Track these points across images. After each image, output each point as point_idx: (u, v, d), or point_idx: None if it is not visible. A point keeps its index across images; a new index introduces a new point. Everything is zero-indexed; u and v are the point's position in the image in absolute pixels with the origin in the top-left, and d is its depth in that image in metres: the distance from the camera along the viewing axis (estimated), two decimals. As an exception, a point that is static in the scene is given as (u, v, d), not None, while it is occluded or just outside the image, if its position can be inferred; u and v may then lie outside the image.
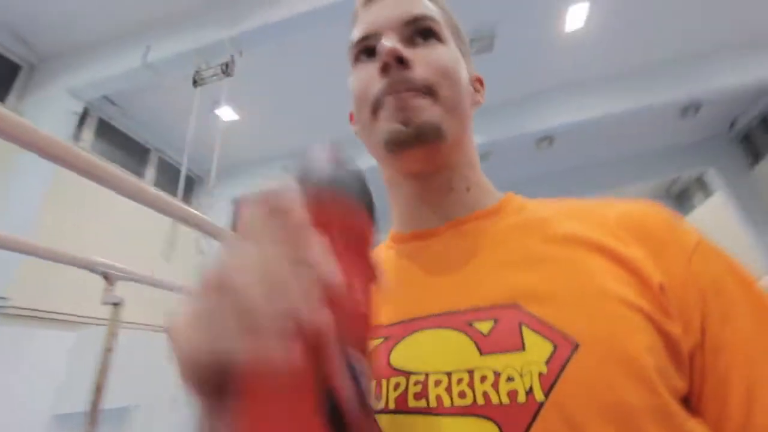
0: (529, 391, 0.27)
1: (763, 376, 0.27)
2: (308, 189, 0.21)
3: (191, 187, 7.97)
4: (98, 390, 1.18)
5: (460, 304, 0.33)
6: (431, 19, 0.41)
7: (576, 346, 0.27)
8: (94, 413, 1.13)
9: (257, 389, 0.16)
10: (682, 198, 11.61)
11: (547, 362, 0.27)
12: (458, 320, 0.32)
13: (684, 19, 5.93)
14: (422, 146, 0.38)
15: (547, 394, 0.26)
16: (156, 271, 3.33)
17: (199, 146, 6.92)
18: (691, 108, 7.67)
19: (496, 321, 0.30)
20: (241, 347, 0.15)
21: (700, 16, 5.93)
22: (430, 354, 0.31)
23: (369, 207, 0.24)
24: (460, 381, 0.28)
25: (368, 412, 0.20)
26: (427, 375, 0.30)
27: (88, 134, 5.90)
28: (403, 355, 0.32)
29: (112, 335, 1.25)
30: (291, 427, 0.16)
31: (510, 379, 0.27)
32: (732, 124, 8.86)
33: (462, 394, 0.28)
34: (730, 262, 0.32)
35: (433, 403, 0.29)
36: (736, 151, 9.02)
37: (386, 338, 0.34)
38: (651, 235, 0.33)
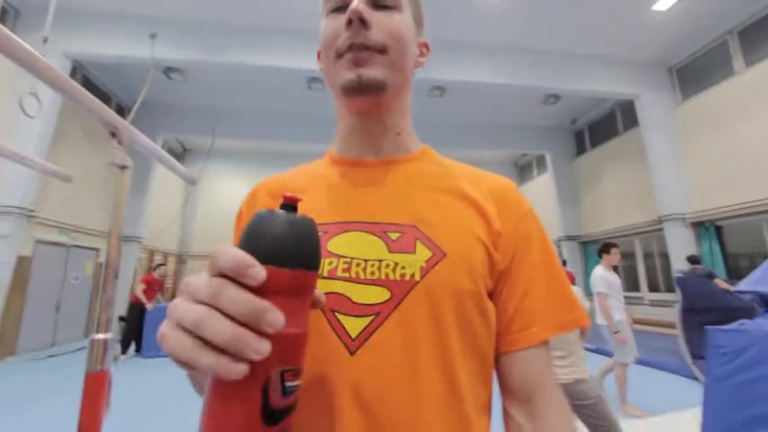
0: (412, 276, 0.44)
1: (536, 283, 0.49)
2: (258, 254, 0.25)
3: (4, 23, 5.89)
4: None
5: (381, 218, 0.48)
6: None
7: (444, 255, 0.45)
8: None
9: (216, 384, 0.25)
10: (524, 169, 14.08)
11: (426, 261, 0.44)
12: (378, 228, 0.47)
13: (575, 20, 6.74)
14: (368, 94, 0.49)
15: (422, 278, 0.44)
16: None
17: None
18: (552, 97, 9.10)
19: (401, 234, 0.47)
20: (202, 360, 0.23)
21: (582, 24, 6.84)
22: (356, 247, 0.46)
23: (312, 258, 0.28)
24: (372, 265, 0.44)
25: (290, 411, 0.28)
26: (352, 259, 0.45)
27: None
28: (337, 244, 0.46)
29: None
30: (237, 410, 0.25)
31: (403, 267, 0.44)
32: (573, 121, 10.93)
33: (372, 273, 0.44)
34: (539, 225, 0.54)
35: (353, 275, 0.44)
36: (569, 143, 11.26)
37: (325, 232, 0.47)
38: (503, 201, 0.52)
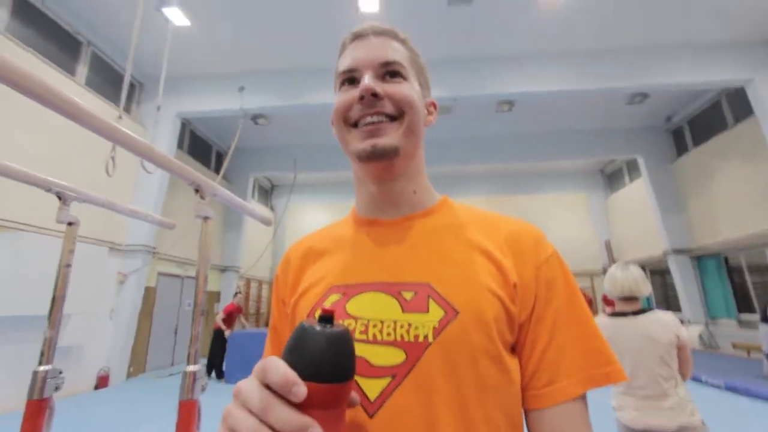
0: (426, 336, 0.45)
1: (560, 333, 0.47)
2: (299, 368, 0.29)
3: (132, 94, 7.27)
4: (56, 300, 1.27)
5: (396, 277, 0.50)
6: (399, 64, 0.55)
7: (457, 313, 0.45)
8: (53, 320, 1.23)
9: None
10: (613, 177, 12.76)
11: (439, 321, 0.45)
12: (393, 289, 0.49)
13: (650, 11, 6.13)
14: (383, 161, 0.52)
15: (435, 338, 0.44)
16: (96, 184, 3.21)
17: (143, 49, 6.25)
18: (638, 96, 8.23)
19: (415, 293, 0.48)
20: None
21: (664, 13, 6.16)
22: (372, 308, 0.48)
23: (348, 371, 0.31)
24: (388, 326, 0.46)
25: None
26: (368, 320, 0.47)
27: (2, 12, 4.91)
28: (355, 306, 0.49)
29: (69, 252, 1.31)
30: None
31: (416, 328, 0.45)
32: (668, 118, 9.68)
33: (388, 334, 0.46)
34: (564, 269, 0.51)
35: (370, 337, 0.46)
36: (665, 143, 9.97)
37: (344, 294, 0.50)
38: (519, 250, 0.51)
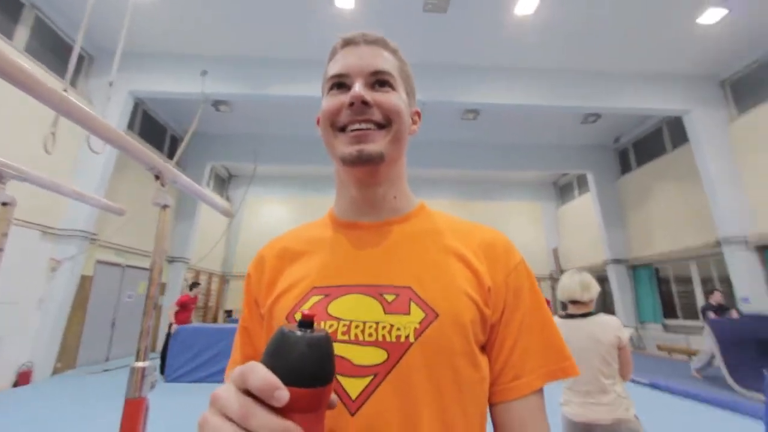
0: (407, 337, 0.46)
1: (525, 334, 0.51)
2: (280, 373, 0.28)
3: (79, 67, 6.66)
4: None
5: (377, 280, 0.51)
6: (388, 73, 0.56)
7: (437, 316, 0.47)
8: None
9: None
10: (564, 189, 13.58)
11: (420, 322, 0.47)
12: (374, 291, 0.50)
13: (609, 39, 6.59)
14: (368, 166, 0.53)
15: (416, 338, 0.46)
16: (36, 163, 2.91)
17: (97, 19, 5.76)
18: (591, 116, 8.83)
19: (396, 296, 0.49)
20: None
21: (621, 42, 6.65)
22: (354, 309, 0.49)
23: (329, 374, 0.31)
24: (370, 327, 0.47)
25: None
26: (351, 321, 0.48)
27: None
28: (337, 307, 0.49)
29: (2, 236, 1.17)
30: None
31: (398, 329, 0.47)
32: (617, 139, 10.47)
33: (370, 335, 0.47)
34: (529, 276, 0.55)
35: (352, 337, 0.47)
36: (612, 162, 10.77)
37: (326, 295, 0.51)
38: (493, 256, 0.55)
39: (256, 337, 0.58)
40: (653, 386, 5.46)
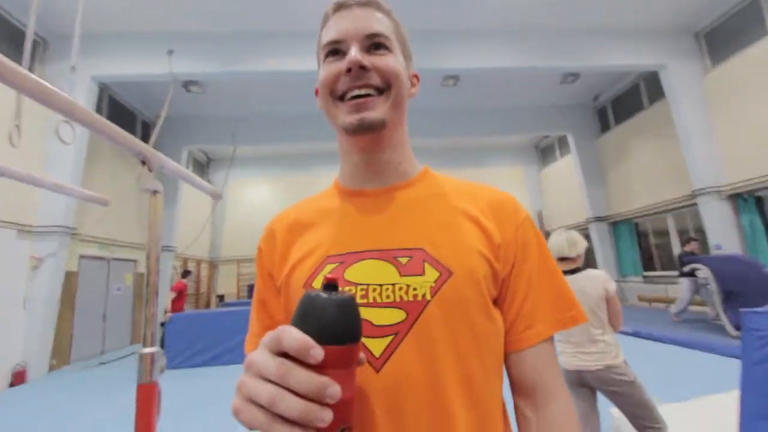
0: (424, 295, 0.48)
1: (535, 285, 0.53)
2: (312, 333, 0.30)
3: (34, 53, 6.24)
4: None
5: (390, 244, 0.52)
6: (384, 36, 0.55)
7: (451, 274, 0.49)
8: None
9: None
10: (546, 152, 13.71)
11: (435, 281, 0.49)
12: (388, 255, 0.52)
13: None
14: (370, 133, 0.54)
15: (433, 296, 0.48)
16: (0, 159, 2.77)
17: (48, 1, 5.36)
18: (570, 76, 8.82)
19: (410, 258, 0.51)
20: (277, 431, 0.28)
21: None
22: (370, 274, 0.50)
23: (357, 332, 0.34)
24: (387, 289, 0.49)
25: None
26: (368, 285, 0.50)
27: None
28: (353, 273, 0.51)
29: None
30: None
31: (414, 289, 0.49)
32: (596, 98, 10.52)
33: (388, 296, 0.49)
34: (536, 231, 0.57)
35: (371, 300, 0.49)
36: (591, 121, 10.87)
37: (342, 262, 0.52)
38: (500, 214, 0.56)
39: (273, 309, 0.59)
40: (635, 335, 5.78)
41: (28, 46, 3.12)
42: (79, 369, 6.15)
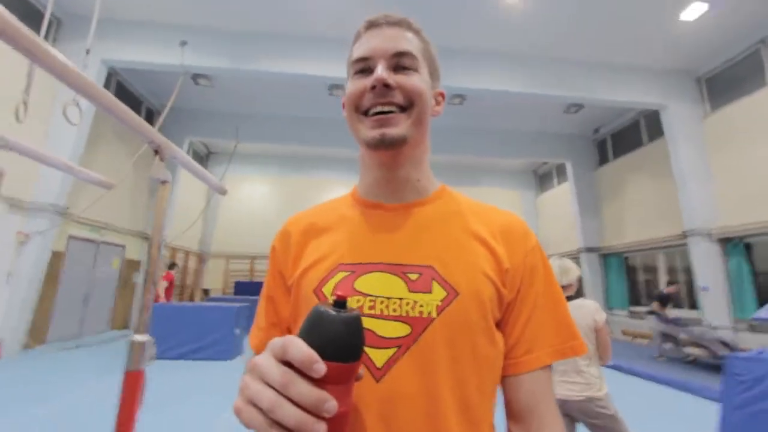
0: (429, 313, 0.49)
1: (538, 312, 0.54)
2: (317, 348, 0.31)
3: (48, 33, 6.23)
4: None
5: (401, 259, 0.54)
6: (411, 55, 0.57)
7: (457, 294, 0.50)
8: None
9: None
10: (544, 178, 13.87)
11: (442, 300, 0.50)
12: (399, 269, 0.53)
13: (595, 31, 6.67)
14: (391, 149, 0.55)
15: (438, 314, 0.49)
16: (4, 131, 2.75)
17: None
18: (574, 107, 8.98)
19: (419, 275, 0.52)
20: None
21: (606, 34, 6.73)
22: (380, 286, 0.52)
23: (359, 351, 0.34)
24: (394, 303, 0.50)
25: None
26: (376, 297, 0.51)
27: None
28: (363, 284, 0.52)
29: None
30: None
31: (421, 306, 0.50)
32: (596, 130, 10.72)
33: (394, 310, 0.50)
34: (543, 257, 0.58)
35: (378, 312, 0.50)
36: (591, 152, 11.05)
37: (353, 272, 0.54)
38: (511, 239, 0.57)
39: (280, 306, 0.61)
40: (617, 368, 5.80)
41: (44, 23, 3.13)
42: (55, 350, 6.02)
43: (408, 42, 0.58)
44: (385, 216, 0.59)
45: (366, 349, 0.48)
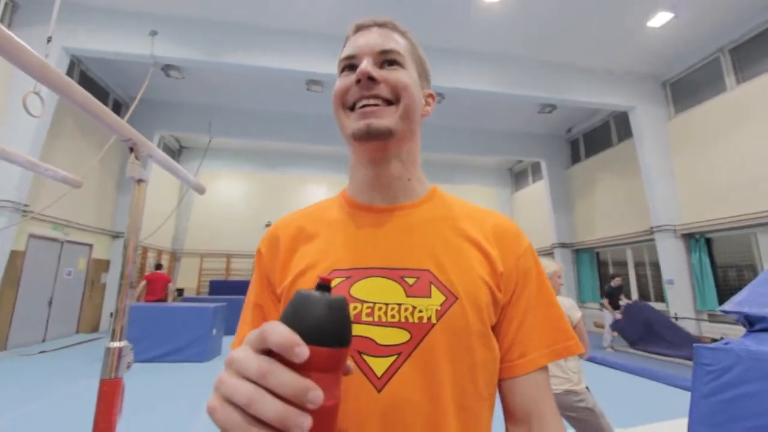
0: (429, 318, 0.49)
1: (532, 314, 0.54)
2: (300, 332, 0.28)
3: (2, 17, 5.84)
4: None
5: (397, 263, 0.53)
6: (397, 52, 0.57)
7: (456, 299, 0.50)
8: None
9: None
10: (519, 176, 14.20)
11: (441, 305, 0.49)
12: (395, 274, 0.52)
13: (566, 33, 6.85)
14: (377, 141, 0.54)
15: (438, 320, 0.49)
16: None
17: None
18: (548, 107, 9.22)
19: (417, 278, 0.51)
20: None
21: (582, 37, 6.94)
22: (377, 292, 0.51)
23: (346, 336, 0.32)
24: (393, 308, 0.49)
25: None
26: (374, 303, 0.50)
27: None
28: (360, 290, 0.51)
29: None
30: None
31: (420, 311, 0.49)
32: (569, 130, 11.06)
33: (393, 316, 0.49)
34: (536, 259, 0.59)
35: (376, 319, 0.49)
36: (564, 151, 11.40)
37: (348, 277, 0.52)
38: (504, 242, 0.57)
39: (270, 315, 0.58)
40: (591, 360, 6.04)
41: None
42: (15, 356, 5.68)
43: (395, 41, 0.58)
44: (377, 218, 0.58)
45: (365, 357, 0.47)
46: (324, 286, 0.33)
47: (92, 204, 8.03)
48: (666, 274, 7.33)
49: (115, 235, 8.81)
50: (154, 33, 6.32)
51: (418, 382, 0.47)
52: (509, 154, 11.52)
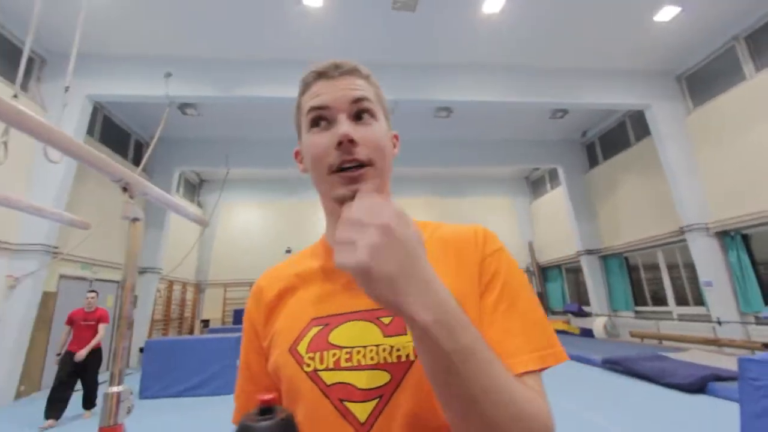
0: (407, 356, 0.48)
1: (501, 319, 0.49)
2: None
3: (30, 70, 6.26)
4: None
5: (373, 304, 0.48)
6: (368, 100, 0.57)
7: None
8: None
9: None
10: (536, 184, 13.94)
11: None
12: (371, 315, 0.52)
13: (574, 36, 6.80)
14: None
15: (416, 356, 0.47)
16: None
17: (49, 21, 5.43)
18: (559, 112, 9.10)
19: (392, 317, 0.51)
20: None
21: (585, 39, 6.89)
22: (354, 336, 0.51)
23: None
24: (371, 351, 0.49)
25: None
26: (352, 348, 0.50)
27: None
28: (338, 336, 0.51)
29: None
30: None
31: (398, 350, 0.49)
32: (584, 134, 10.84)
33: (372, 358, 0.49)
34: (509, 262, 0.55)
35: (355, 363, 0.49)
36: (581, 156, 11.14)
37: (326, 325, 0.53)
38: (465, 254, 0.55)
39: (257, 372, 0.59)
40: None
41: (22, 63, 3.12)
42: (48, 397, 5.80)
43: (362, 89, 0.57)
44: None
45: (347, 404, 0.47)
46: (267, 409, 0.35)
47: (119, 241, 8.31)
48: (702, 276, 6.92)
49: (142, 271, 9.05)
50: (168, 75, 6.63)
51: (403, 424, 0.45)
52: (524, 163, 11.38)
